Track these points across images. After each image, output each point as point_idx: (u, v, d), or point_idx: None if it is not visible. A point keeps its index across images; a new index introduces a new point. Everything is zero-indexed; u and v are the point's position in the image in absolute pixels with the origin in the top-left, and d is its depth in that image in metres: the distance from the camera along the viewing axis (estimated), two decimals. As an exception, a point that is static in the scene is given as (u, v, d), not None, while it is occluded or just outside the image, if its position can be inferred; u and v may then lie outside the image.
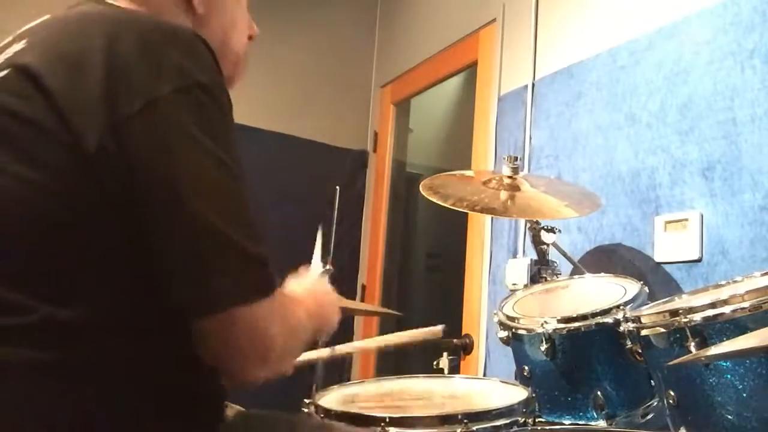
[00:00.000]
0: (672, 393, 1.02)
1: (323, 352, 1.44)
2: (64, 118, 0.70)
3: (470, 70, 2.82)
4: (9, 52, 0.79)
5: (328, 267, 1.88)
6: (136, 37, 0.74)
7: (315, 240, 1.33)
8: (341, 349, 1.45)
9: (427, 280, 3.69)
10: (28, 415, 0.68)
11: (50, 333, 0.69)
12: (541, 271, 1.80)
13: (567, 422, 1.34)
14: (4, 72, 0.76)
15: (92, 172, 0.69)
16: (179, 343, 0.75)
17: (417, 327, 1.54)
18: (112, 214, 0.71)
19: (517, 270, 2.00)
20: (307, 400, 1.31)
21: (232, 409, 0.96)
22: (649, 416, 1.32)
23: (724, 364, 0.92)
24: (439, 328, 1.46)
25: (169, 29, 0.77)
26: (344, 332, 3.19)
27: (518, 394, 1.29)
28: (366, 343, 1.57)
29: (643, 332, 1.08)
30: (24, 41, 0.79)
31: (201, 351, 0.74)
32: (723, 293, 1.03)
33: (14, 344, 0.68)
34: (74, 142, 0.69)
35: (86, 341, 0.70)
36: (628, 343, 1.21)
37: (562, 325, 1.32)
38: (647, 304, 1.28)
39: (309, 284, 1.01)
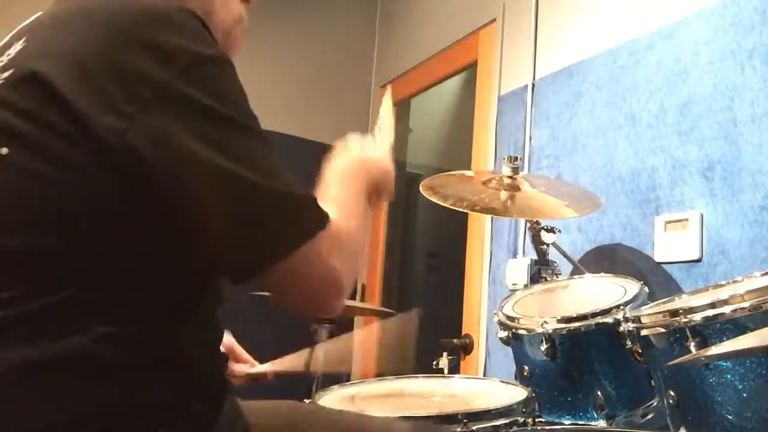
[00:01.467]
0: (672, 393, 1.02)
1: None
2: (76, 116, 0.70)
3: (470, 70, 2.82)
4: (11, 52, 0.79)
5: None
6: (132, 26, 0.74)
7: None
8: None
9: (427, 280, 3.69)
10: (31, 406, 0.68)
11: (53, 322, 0.69)
12: (541, 271, 1.80)
13: (567, 422, 1.34)
14: (9, 72, 0.76)
15: (112, 164, 0.70)
16: (182, 335, 0.76)
17: (416, 327, 1.53)
18: (133, 203, 0.72)
19: (517, 270, 2.01)
20: (307, 400, 1.31)
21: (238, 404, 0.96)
22: (649, 416, 1.32)
23: (724, 364, 0.92)
24: (414, 314, 1.41)
25: (161, 12, 0.77)
26: (344, 332, 3.20)
27: (518, 394, 1.29)
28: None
29: (643, 332, 1.08)
30: (23, 40, 0.79)
31: (277, 298, 0.79)
32: (723, 293, 1.03)
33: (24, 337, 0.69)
34: (88, 138, 0.69)
35: (91, 328, 0.70)
36: (628, 343, 1.21)
37: (562, 325, 1.32)
38: (647, 304, 1.27)
39: (345, 163, 0.99)
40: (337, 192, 0.90)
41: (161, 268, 0.74)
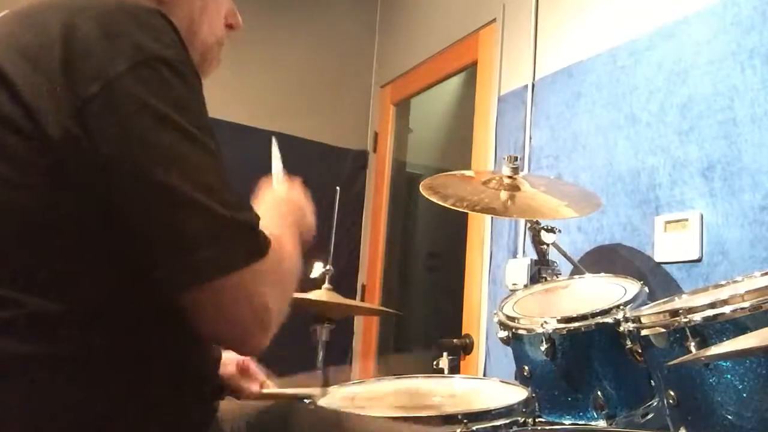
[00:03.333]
0: (672, 393, 1.02)
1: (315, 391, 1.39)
2: (28, 109, 0.70)
3: (470, 70, 2.82)
4: None
5: (328, 267, 1.88)
6: (93, 21, 0.73)
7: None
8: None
9: (427, 280, 3.69)
10: (18, 407, 0.68)
11: (38, 326, 0.69)
12: (541, 271, 1.80)
13: (567, 422, 1.34)
14: None
15: (60, 161, 0.69)
16: (169, 334, 0.75)
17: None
18: (85, 202, 0.71)
19: (517, 270, 2.00)
20: (307, 400, 1.31)
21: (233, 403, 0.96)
22: (649, 416, 1.32)
23: (724, 364, 0.92)
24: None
25: (127, 8, 0.76)
26: (344, 332, 3.21)
27: (518, 394, 1.29)
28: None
29: (643, 332, 1.08)
30: None
31: (197, 326, 0.73)
32: (723, 293, 1.03)
33: (3, 337, 0.68)
34: (39, 133, 0.69)
35: (74, 334, 0.70)
36: (628, 343, 1.21)
37: (562, 325, 1.32)
38: (647, 304, 1.27)
39: (275, 198, 0.97)
40: (272, 222, 0.85)
41: (129, 269, 0.72)
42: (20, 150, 0.70)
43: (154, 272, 0.71)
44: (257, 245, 0.74)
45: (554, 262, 1.83)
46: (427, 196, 1.70)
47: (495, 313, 1.50)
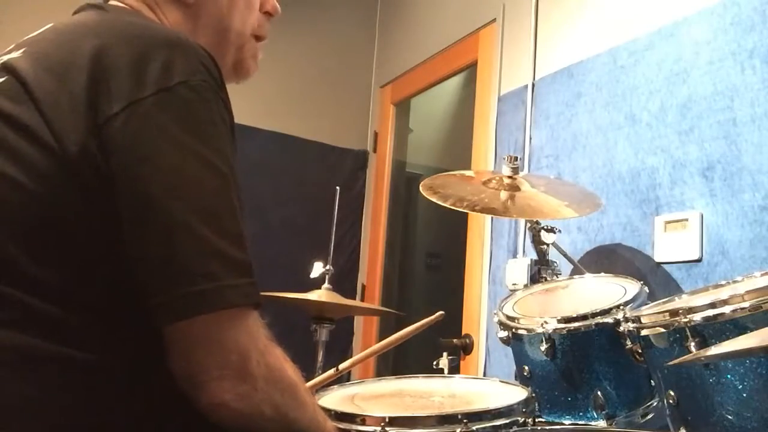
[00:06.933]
0: (672, 393, 1.02)
1: (328, 374, 1.43)
2: (48, 123, 0.70)
3: (470, 70, 2.82)
4: (4, 58, 0.80)
5: (328, 267, 1.89)
6: (125, 45, 0.74)
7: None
8: (345, 365, 1.45)
9: (427, 280, 3.69)
10: (18, 401, 0.68)
11: (47, 327, 0.69)
12: (541, 271, 1.80)
13: (567, 422, 1.34)
14: (1, 78, 0.77)
15: (75, 175, 0.70)
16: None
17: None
18: (98, 217, 0.71)
19: (517, 270, 2.00)
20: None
21: None
22: (649, 416, 1.32)
23: (724, 364, 0.92)
24: (439, 313, 1.46)
25: (159, 33, 0.77)
26: (344, 332, 3.21)
27: (518, 394, 1.28)
28: (368, 351, 1.54)
29: (643, 332, 1.08)
30: (22, 50, 0.80)
31: (169, 360, 0.71)
32: (723, 293, 1.03)
33: (12, 332, 0.68)
34: (57, 146, 0.70)
35: (83, 338, 0.70)
36: (628, 343, 1.21)
37: (562, 325, 1.32)
38: (647, 304, 1.27)
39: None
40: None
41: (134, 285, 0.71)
42: (36, 159, 0.70)
43: (148, 299, 0.70)
44: (249, 291, 0.72)
45: (554, 262, 1.83)
46: (427, 196, 1.70)
47: (495, 313, 1.50)
